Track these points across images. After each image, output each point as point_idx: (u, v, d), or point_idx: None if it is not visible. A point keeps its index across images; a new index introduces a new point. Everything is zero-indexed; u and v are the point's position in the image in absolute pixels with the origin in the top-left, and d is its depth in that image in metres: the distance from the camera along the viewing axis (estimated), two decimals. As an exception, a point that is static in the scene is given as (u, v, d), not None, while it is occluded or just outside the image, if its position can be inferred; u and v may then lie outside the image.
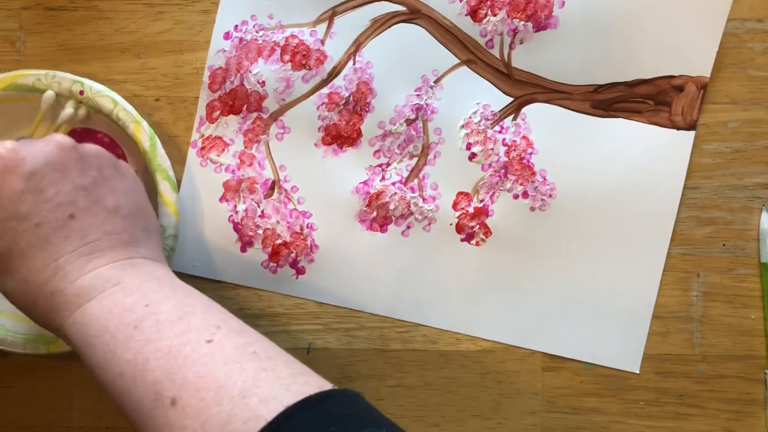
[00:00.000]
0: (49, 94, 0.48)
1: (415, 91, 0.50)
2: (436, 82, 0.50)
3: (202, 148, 0.51)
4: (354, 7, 0.50)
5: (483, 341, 0.51)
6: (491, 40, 0.50)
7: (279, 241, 0.51)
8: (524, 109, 0.50)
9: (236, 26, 0.51)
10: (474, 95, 0.50)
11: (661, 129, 0.50)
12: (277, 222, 0.51)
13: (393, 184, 0.51)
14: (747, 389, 0.50)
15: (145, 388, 0.35)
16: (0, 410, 0.51)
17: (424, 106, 0.50)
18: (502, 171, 0.51)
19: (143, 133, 0.48)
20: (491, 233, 0.51)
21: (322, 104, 0.51)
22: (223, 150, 0.51)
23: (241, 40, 0.51)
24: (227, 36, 0.51)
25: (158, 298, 0.38)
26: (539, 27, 0.50)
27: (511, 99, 0.50)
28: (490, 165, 0.51)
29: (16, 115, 0.49)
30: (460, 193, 0.51)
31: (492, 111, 0.51)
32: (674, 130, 0.50)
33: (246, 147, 0.51)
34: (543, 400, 0.51)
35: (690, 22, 0.49)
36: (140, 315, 0.37)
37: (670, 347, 0.50)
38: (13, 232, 0.39)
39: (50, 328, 0.40)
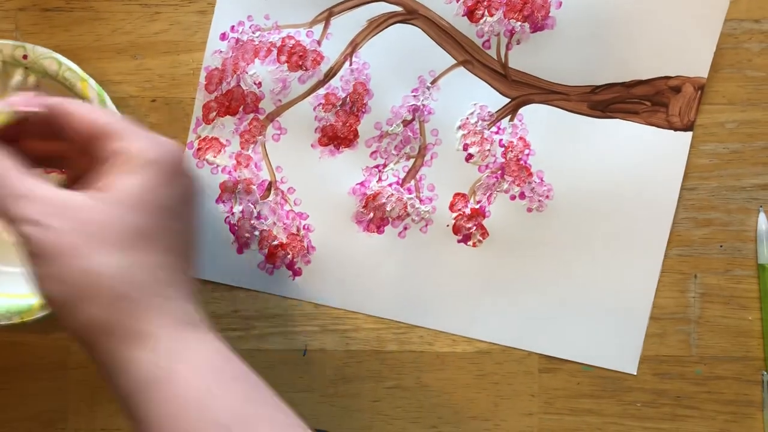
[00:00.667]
0: None
1: (412, 91, 0.50)
2: (432, 82, 0.50)
3: (199, 149, 0.51)
4: (350, 8, 0.50)
5: (480, 342, 0.51)
6: (488, 40, 0.50)
7: (275, 243, 0.51)
8: (521, 110, 0.50)
9: (233, 27, 0.51)
10: (471, 96, 0.50)
11: (658, 130, 0.50)
12: (274, 223, 0.51)
13: (390, 185, 0.51)
14: (744, 391, 0.50)
15: None
16: (-5, 412, 0.51)
17: (421, 106, 0.50)
18: (499, 172, 0.50)
19: (91, 90, 0.48)
20: (488, 234, 0.51)
21: (318, 105, 0.51)
22: (220, 151, 0.51)
23: (237, 40, 0.51)
24: (223, 37, 0.51)
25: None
26: (536, 28, 0.50)
27: (508, 100, 0.50)
28: (487, 166, 0.51)
29: None
30: (456, 194, 0.51)
31: (489, 112, 0.50)
32: (671, 131, 0.50)
33: (242, 148, 0.51)
34: (540, 402, 0.51)
35: (687, 22, 0.49)
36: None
37: (668, 349, 0.50)
38: (168, 231, 0.37)
39: (80, 321, 0.35)
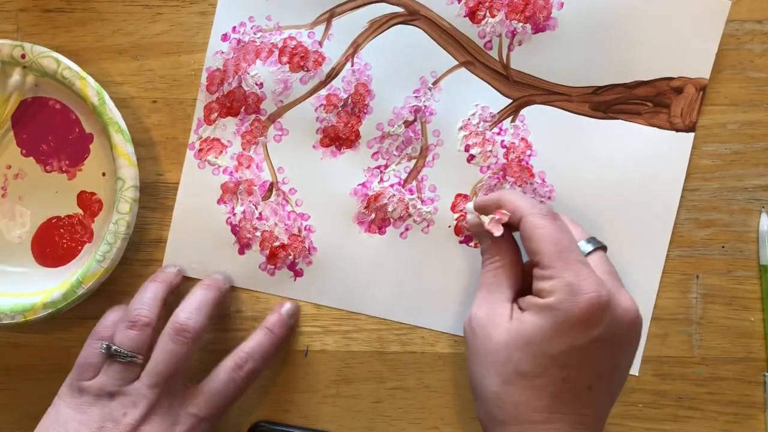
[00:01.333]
0: None
1: (414, 92, 0.50)
2: (434, 83, 0.50)
3: (200, 150, 0.51)
4: (352, 9, 0.50)
5: (481, 343, 0.51)
6: (490, 41, 0.50)
7: (277, 244, 0.51)
8: (523, 111, 0.50)
9: (234, 28, 0.51)
10: (472, 97, 0.50)
11: (660, 131, 0.50)
12: (275, 224, 0.51)
13: (391, 185, 0.51)
14: (746, 391, 0.50)
15: None
16: (-3, 413, 0.52)
17: (423, 107, 0.50)
18: (501, 173, 0.50)
19: (90, 88, 0.48)
20: (490, 235, 0.50)
21: (320, 106, 0.51)
22: (221, 152, 0.51)
23: (239, 41, 0.51)
24: (225, 38, 0.51)
25: None
26: (538, 28, 0.50)
27: (510, 101, 0.50)
28: (488, 167, 0.50)
29: None
30: (458, 195, 0.51)
31: (490, 113, 0.50)
32: (673, 132, 0.50)
33: (244, 149, 0.51)
34: (542, 403, 0.51)
35: (689, 23, 0.49)
36: None
37: (669, 349, 0.50)
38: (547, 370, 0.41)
39: None
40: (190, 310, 0.46)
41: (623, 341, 0.42)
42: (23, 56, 0.49)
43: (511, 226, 0.45)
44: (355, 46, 0.50)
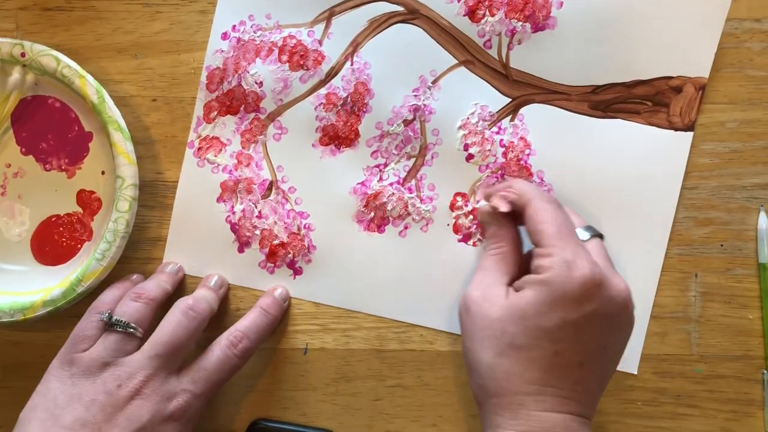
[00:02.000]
0: None
1: (413, 91, 0.50)
2: (433, 82, 0.50)
3: (200, 149, 0.51)
4: (352, 8, 0.50)
5: (481, 342, 0.51)
6: (489, 40, 0.50)
7: (276, 242, 0.51)
8: (522, 110, 0.50)
9: (234, 26, 0.51)
10: (472, 96, 0.50)
11: (659, 130, 0.50)
12: (275, 222, 0.51)
13: (390, 184, 0.51)
14: (745, 389, 0.50)
15: None
16: (-3, 411, 0.52)
17: (422, 106, 0.50)
18: (500, 172, 0.50)
19: (89, 87, 0.48)
20: (489, 234, 0.51)
21: (319, 105, 0.51)
22: (221, 150, 0.51)
23: (238, 40, 0.51)
24: (225, 36, 0.51)
25: None
26: (537, 27, 0.50)
27: (509, 100, 0.50)
28: (487, 166, 0.51)
29: None
30: (457, 194, 0.51)
31: (490, 112, 0.50)
32: (672, 131, 0.50)
33: (243, 147, 0.51)
34: (541, 401, 0.51)
35: (688, 22, 0.49)
36: None
37: (668, 347, 0.50)
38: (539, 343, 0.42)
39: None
40: (198, 297, 0.48)
41: (614, 322, 0.43)
42: (23, 55, 0.49)
43: (516, 219, 0.46)
44: (355, 45, 0.50)
